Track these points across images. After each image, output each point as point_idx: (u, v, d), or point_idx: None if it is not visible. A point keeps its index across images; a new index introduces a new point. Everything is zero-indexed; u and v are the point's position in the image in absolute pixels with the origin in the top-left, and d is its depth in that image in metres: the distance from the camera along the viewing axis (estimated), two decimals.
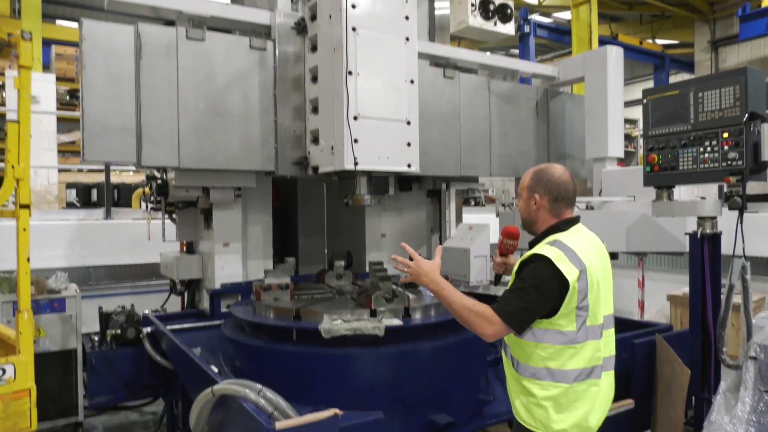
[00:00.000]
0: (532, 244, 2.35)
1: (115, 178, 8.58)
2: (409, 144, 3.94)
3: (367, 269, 5.13)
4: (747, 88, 3.09)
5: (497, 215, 5.92)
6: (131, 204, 7.72)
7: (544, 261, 2.13)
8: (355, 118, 3.70)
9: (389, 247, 5.26)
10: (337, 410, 2.23)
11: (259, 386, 2.40)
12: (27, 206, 3.09)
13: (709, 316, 3.26)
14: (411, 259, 2.35)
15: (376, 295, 3.32)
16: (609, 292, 2.32)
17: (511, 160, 5.40)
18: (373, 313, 3.30)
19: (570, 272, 2.11)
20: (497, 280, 2.83)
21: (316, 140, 4.08)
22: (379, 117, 3.81)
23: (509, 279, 2.62)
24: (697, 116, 3.32)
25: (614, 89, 5.29)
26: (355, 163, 3.69)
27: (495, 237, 5.58)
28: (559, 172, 2.34)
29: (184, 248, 5.02)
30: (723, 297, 3.25)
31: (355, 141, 3.69)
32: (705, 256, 3.27)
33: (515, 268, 2.28)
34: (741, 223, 3.11)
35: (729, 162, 3.15)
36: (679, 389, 2.81)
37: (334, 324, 3.15)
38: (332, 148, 3.81)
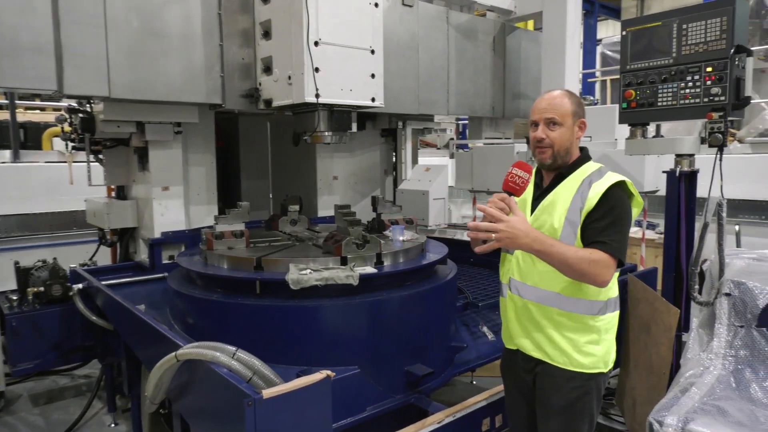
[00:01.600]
0: (563, 176, 2.19)
1: (19, 117, 7.59)
2: (373, 75, 3.60)
3: (319, 214, 4.82)
4: (734, 20, 2.96)
5: (451, 157, 5.73)
6: (41, 145, 6.86)
7: (625, 185, 2.10)
8: (316, 43, 3.29)
9: (341, 190, 4.96)
10: (329, 372, 1.97)
11: (232, 348, 2.09)
12: None
13: (682, 254, 3.24)
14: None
15: (346, 241, 3.04)
16: None
17: (467, 98, 5.15)
18: (343, 261, 3.03)
19: (638, 194, 2.15)
20: None
21: (268, 69, 3.63)
22: (342, 44, 3.43)
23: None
24: (680, 49, 3.18)
25: (573, 25, 5.11)
26: (317, 95, 3.31)
27: (453, 179, 5.41)
28: None
29: (113, 193, 4.47)
30: (696, 235, 3.23)
31: (316, 70, 3.30)
32: (681, 194, 3.22)
33: (596, 200, 2.04)
34: (721, 160, 3.05)
35: (711, 98, 3.05)
36: (665, 329, 2.78)
37: (303, 274, 2.85)
38: (289, 77, 3.40)
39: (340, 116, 3.55)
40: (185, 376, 2.28)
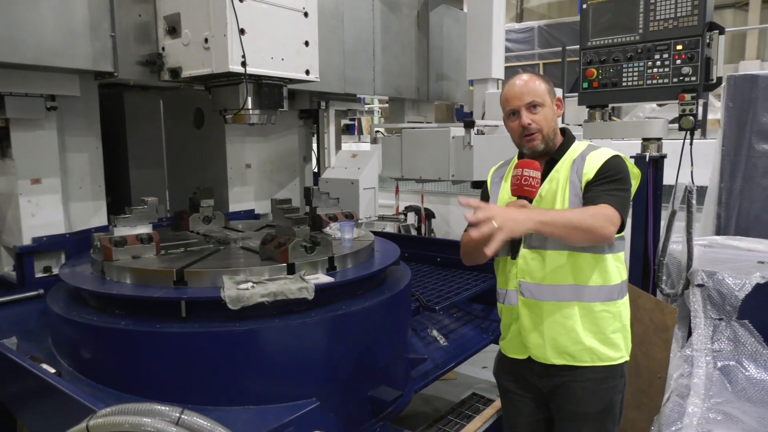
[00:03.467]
0: (554, 161, 2.05)
1: None
2: (307, 43, 3.01)
3: (231, 209, 4.13)
4: None
5: (374, 141, 5.26)
6: None
7: (621, 157, 2.01)
8: None
9: (256, 179, 4.29)
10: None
11: (176, 411, 1.46)
12: None
13: (650, 244, 3.07)
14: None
15: (293, 244, 2.46)
16: None
17: (393, 77, 4.69)
18: (290, 269, 2.45)
19: (634, 166, 2.07)
20: (516, 250, 2.04)
21: (173, 30, 2.90)
22: (271, 1, 2.80)
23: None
24: (647, 25, 2.96)
25: (499, 3, 4.84)
26: (243, 63, 2.67)
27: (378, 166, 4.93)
28: None
29: None
30: (663, 224, 3.07)
31: (242, 32, 2.66)
32: (649, 180, 3.03)
33: (594, 170, 1.94)
34: (691, 144, 2.89)
35: (682, 78, 2.87)
36: (656, 328, 2.56)
37: (243, 288, 2.24)
38: (206, 41, 2.71)
39: (272, 91, 2.92)
40: None
